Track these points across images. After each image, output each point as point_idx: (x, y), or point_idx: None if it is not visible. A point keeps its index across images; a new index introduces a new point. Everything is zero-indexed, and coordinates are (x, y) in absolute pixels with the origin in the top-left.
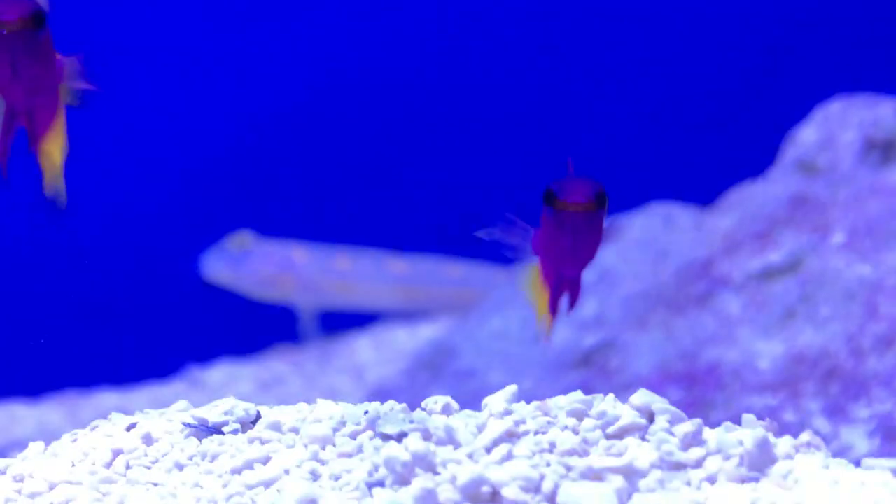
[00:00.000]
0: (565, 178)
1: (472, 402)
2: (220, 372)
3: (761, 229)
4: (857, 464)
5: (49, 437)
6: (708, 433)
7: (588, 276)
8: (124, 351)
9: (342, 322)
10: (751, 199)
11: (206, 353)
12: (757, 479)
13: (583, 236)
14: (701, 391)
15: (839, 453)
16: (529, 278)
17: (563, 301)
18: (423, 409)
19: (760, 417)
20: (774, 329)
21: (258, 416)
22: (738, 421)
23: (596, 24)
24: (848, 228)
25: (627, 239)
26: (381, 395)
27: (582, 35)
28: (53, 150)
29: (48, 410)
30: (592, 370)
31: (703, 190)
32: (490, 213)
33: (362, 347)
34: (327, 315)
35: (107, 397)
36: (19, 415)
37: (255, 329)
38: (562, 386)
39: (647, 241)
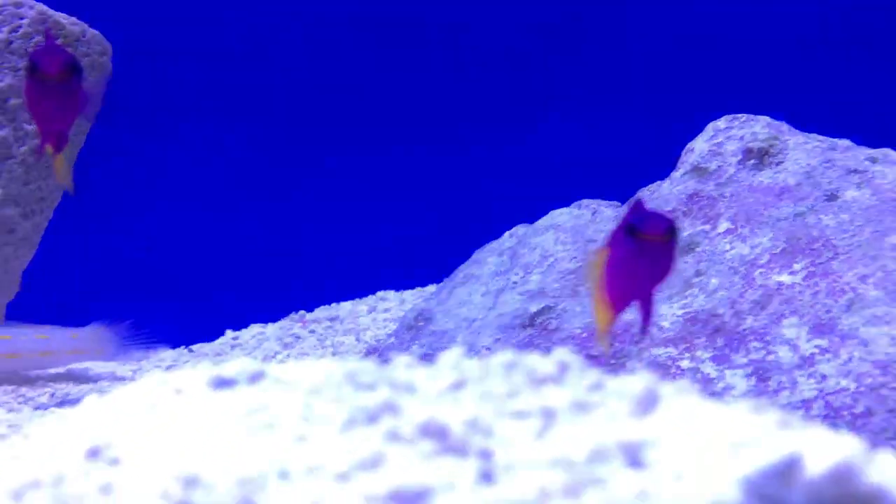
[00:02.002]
0: (643, 211)
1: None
2: (251, 334)
3: None
4: (735, 401)
5: (117, 387)
6: (608, 381)
7: (532, 257)
8: (184, 318)
9: (344, 294)
10: (658, 195)
11: (241, 319)
12: (645, 416)
13: (659, 262)
14: (620, 345)
15: (724, 391)
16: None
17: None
18: (392, 364)
19: (665, 365)
20: (676, 296)
21: (264, 373)
22: (652, 367)
23: (530, 47)
24: (731, 218)
25: (564, 228)
26: (376, 350)
27: (515, 58)
28: (66, 157)
29: (118, 365)
30: (537, 330)
31: (621, 189)
32: None
33: (360, 313)
34: (333, 284)
35: (168, 354)
36: (95, 368)
37: (278, 300)
38: (513, 341)
39: (578, 230)
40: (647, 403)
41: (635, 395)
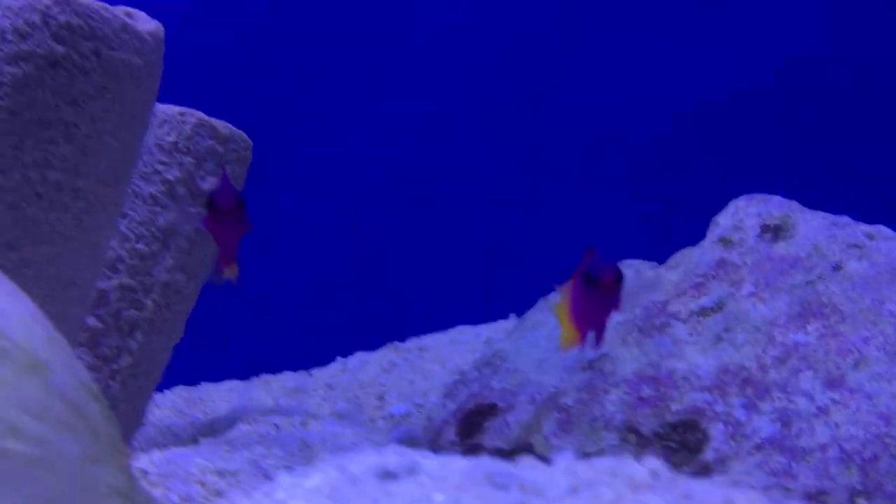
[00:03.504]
0: (596, 260)
1: (518, 391)
2: (357, 360)
3: (698, 282)
4: (763, 442)
5: (254, 405)
6: (696, 489)
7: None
8: (297, 345)
9: (429, 327)
10: (691, 261)
11: (349, 347)
12: None
13: (609, 302)
14: (664, 389)
15: (753, 433)
16: (562, 317)
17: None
18: (518, 464)
19: (702, 409)
20: (709, 350)
21: (419, 467)
22: (691, 410)
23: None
24: (753, 283)
25: None
26: (462, 382)
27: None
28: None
29: (253, 386)
30: (595, 372)
31: (658, 252)
32: None
33: (443, 344)
34: (418, 319)
35: (289, 377)
36: (236, 389)
37: (377, 332)
38: (575, 381)
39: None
40: None
41: None
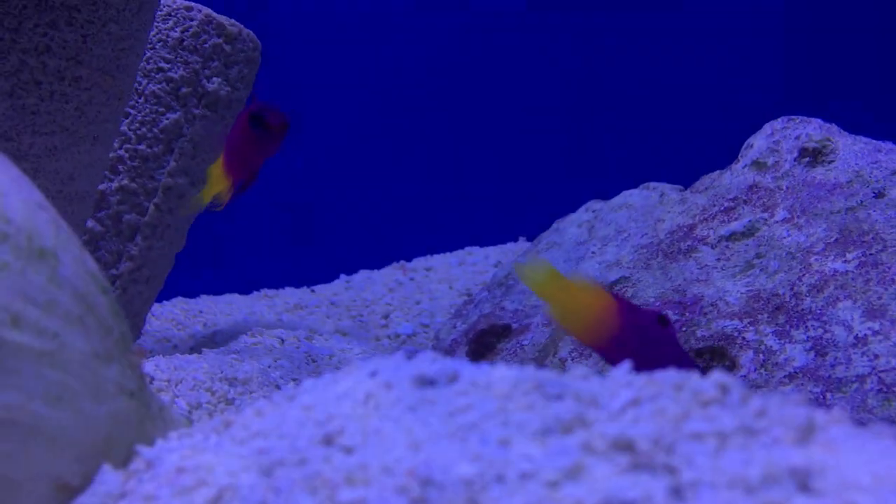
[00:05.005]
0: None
1: (533, 312)
2: (361, 278)
3: (728, 206)
4: (796, 371)
5: (256, 319)
6: (771, 406)
7: (608, 231)
8: (299, 260)
9: (437, 247)
10: (720, 184)
11: (353, 265)
12: (807, 443)
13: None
14: (690, 315)
15: (785, 362)
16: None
17: None
18: (570, 374)
19: (731, 336)
20: (738, 276)
21: (459, 375)
22: (719, 337)
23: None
24: (788, 208)
25: (636, 207)
26: (472, 301)
27: (599, 63)
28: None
29: (254, 301)
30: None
31: (686, 175)
32: None
33: (450, 265)
34: (427, 239)
35: (291, 293)
36: (236, 303)
37: (383, 250)
38: None
39: (648, 209)
40: (807, 432)
41: (796, 424)
